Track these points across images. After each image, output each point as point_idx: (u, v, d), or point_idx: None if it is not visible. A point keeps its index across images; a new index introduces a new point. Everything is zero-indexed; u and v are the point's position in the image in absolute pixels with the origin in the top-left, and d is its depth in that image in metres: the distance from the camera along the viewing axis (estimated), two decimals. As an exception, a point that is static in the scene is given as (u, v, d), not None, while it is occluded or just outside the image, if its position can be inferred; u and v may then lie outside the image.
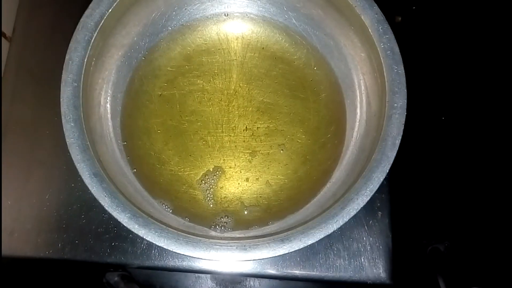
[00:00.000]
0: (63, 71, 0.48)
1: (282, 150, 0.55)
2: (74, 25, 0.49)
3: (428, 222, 0.80)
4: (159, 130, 0.56)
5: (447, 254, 0.73)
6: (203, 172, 0.54)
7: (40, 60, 0.59)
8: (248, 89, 0.57)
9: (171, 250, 0.43)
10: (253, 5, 0.58)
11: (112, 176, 0.48)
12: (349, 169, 0.53)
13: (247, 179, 0.54)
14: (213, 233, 0.51)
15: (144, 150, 0.55)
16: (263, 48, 0.59)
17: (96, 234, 0.53)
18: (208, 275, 0.75)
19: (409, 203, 0.77)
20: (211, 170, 0.55)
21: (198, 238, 0.45)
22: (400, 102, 0.47)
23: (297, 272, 0.53)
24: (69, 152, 0.45)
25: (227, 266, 0.53)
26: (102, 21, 0.50)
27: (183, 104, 0.57)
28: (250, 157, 0.55)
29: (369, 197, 0.45)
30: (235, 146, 0.55)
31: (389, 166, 0.45)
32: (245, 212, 0.53)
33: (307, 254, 0.53)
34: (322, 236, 0.44)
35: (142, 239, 0.44)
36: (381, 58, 0.48)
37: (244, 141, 0.56)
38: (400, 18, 0.78)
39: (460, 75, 0.83)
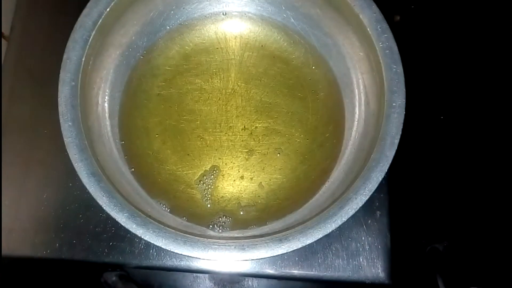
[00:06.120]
0: (61, 70, 0.48)
1: (279, 151, 0.55)
2: (72, 24, 0.49)
3: (427, 221, 0.80)
4: (157, 129, 0.56)
5: (446, 254, 0.73)
6: (201, 171, 0.54)
7: (38, 59, 0.59)
8: (246, 88, 0.57)
9: (169, 249, 0.43)
10: (251, 4, 0.58)
11: (110, 175, 0.48)
12: (347, 168, 0.53)
13: (245, 179, 0.54)
14: (211, 232, 0.51)
15: (142, 149, 0.55)
16: (261, 46, 0.59)
17: (94, 233, 0.53)
18: (206, 275, 0.74)
19: (408, 202, 0.77)
20: (209, 169, 0.55)
21: (196, 237, 0.44)
22: (398, 101, 0.47)
23: (295, 272, 0.53)
24: (67, 152, 0.45)
25: (225, 265, 0.53)
26: (100, 20, 0.49)
27: (181, 103, 0.57)
28: (248, 157, 0.55)
29: (367, 197, 0.45)
30: (233, 145, 0.55)
31: (388, 165, 0.45)
32: (241, 213, 0.53)
33: (306, 253, 0.53)
34: (320, 235, 0.44)
35: (140, 238, 0.44)
36: (380, 57, 0.48)
37: (242, 140, 0.55)
38: (398, 17, 0.78)
39: (459, 74, 0.83)
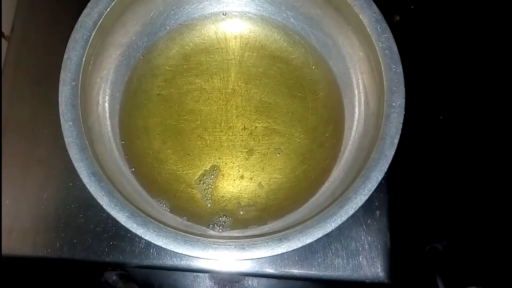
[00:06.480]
0: (61, 70, 0.48)
1: (279, 151, 0.55)
2: (72, 24, 0.49)
3: (427, 221, 0.80)
4: (157, 129, 0.56)
5: (445, 253, 0.74)
6: (201, 171, 0.55)
7: (39, 59, 0.59)
8: (246, 88, 0.57)
9: (170, 249, 0.43)
10: (251, 4, 0.58)
11: (110, 175, 0.48)
12: (347, 168, 0.53)
13: (245, 178, 0.54)
14: (211, 232, 0.51)
15: (142, 149, 0.55)
16: (261, 46, 0.59)
17: (95, 233, 0.53)
18: (207, 274, 0.75)
19: (407, 202, 0.77)
20: (209, 169, 0.55)
21: (197, 237, 0.45)
22: (398, 101, 0.47)
23: (295, 271, 0.53)
24: (67, 151, 0.45)
25: (225, 265, 0.53)
26: (101, 20, 0.49)
27: (181, 103, 0.57)
28: (248, 156, 0.55)
29: (367, 196, 0.45)
30: (233, 145, 0.55)
31: (388, 165, 0.45)
32: (241, 212, 0.53)
33: (306, 253, 0.53)
34: (320, 235, 0.44)
35: (141, 238, 0.44)
36: (379, 57, 0.48)
37: (242, 140, 0.56)
38: (398, 17, 0.79)
39: (459, 74, 0.83)
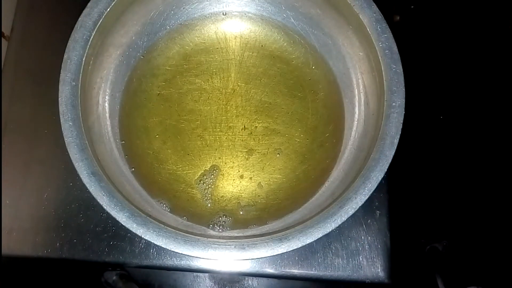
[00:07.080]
0: (61, 70, 0.48)
1: (279, 151, 0.55)
2: (72, 24, 0.49)
3: (427, 221, 0.80)
4: (157, 129, 0.56)
5: (445, 253, 0.74)
6: (201, 171, 0.55)
7: (39, 59, 0.59)
8: (246, 88, 0.57)
9: (170, 249, 0.43)
10: (251, 4, 0.58)
11: (110, 175, 0.48)
12: (347, 168, 0.53)
13: (244, 178, 0.54)
14: (211, 232, 0.51)
15: (143, 149, 0.55)
16: (261, 46, 0.59)
17: (95, 233, 0.53)
18: (207, 274, 0.75)
19: (407, 202, 0.77)
20: (209, 169, 0.55)
21: (197, 237, 0.45)
22: (398, 101, 0.47)
23: (295, 271, 0.53)
24: (67, 151, 0.45)
25: (225, 265, 0.53)
26: (101, 20, 0.49)
27: (181, 103, 0.57)
28: (248, 156, 0.55)
29: (367, 196, 0.45)
30: (233, 145, 0.55)
31: (388, 165, 0.45)
32: (241, 212, 0.53)
33: (306, 253, 0.53)
34: (320, 235, 0.44)
35: (141, 238, 0.44)
36: (380, 57, 0.48)
37: (242, 140, 0.56)
38: (398, 17, 0.79)
39: (459, 74, 0.83)
